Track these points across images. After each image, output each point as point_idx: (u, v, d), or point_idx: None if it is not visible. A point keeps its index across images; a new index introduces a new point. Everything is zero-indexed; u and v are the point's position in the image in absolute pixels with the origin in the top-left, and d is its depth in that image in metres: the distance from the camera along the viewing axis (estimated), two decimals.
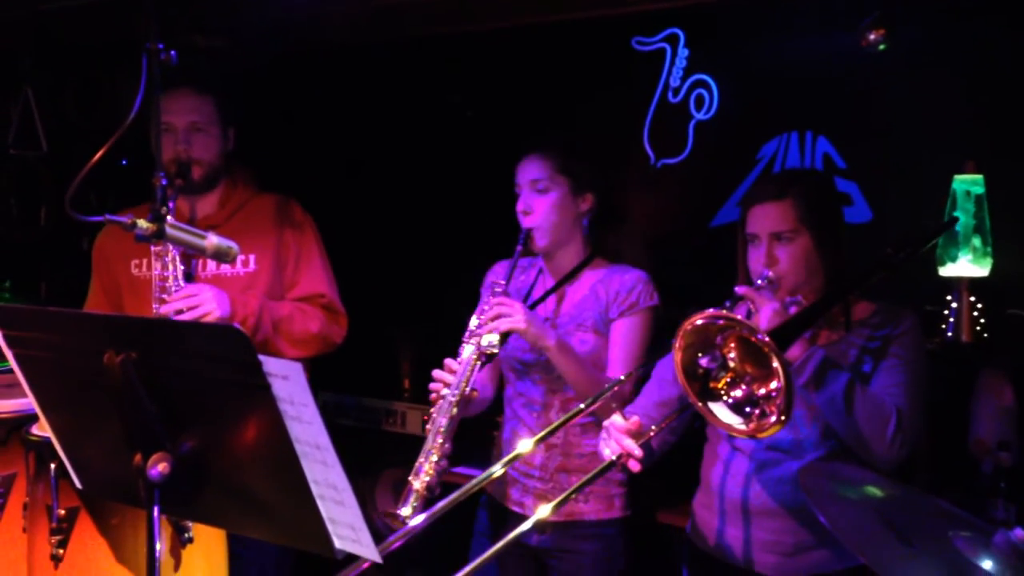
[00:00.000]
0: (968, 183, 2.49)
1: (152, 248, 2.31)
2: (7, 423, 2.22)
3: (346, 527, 1.30)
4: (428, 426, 2.11)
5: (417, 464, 2.07)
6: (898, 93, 2.74)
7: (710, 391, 1.62)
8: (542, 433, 1.89)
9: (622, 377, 1.83)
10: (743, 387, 1.61)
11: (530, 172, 2.28)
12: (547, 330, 2.13)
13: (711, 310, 1.58)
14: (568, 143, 2.35)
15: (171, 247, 2.28)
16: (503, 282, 2.22)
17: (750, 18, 2.96)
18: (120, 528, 1.97)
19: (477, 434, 2.52)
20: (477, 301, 2.41)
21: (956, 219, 2.42)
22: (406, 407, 3.41)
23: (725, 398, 1.61)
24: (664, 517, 2.79)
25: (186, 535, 1.99)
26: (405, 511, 1.97)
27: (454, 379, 2.12)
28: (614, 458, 1.75)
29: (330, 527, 1.31)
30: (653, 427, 1.86)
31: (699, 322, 1.57)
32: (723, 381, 1.62)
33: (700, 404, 1.61)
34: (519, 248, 2.25)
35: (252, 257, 2.50)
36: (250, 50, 3.70)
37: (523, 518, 2.28)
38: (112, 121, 1.84)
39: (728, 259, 2.07)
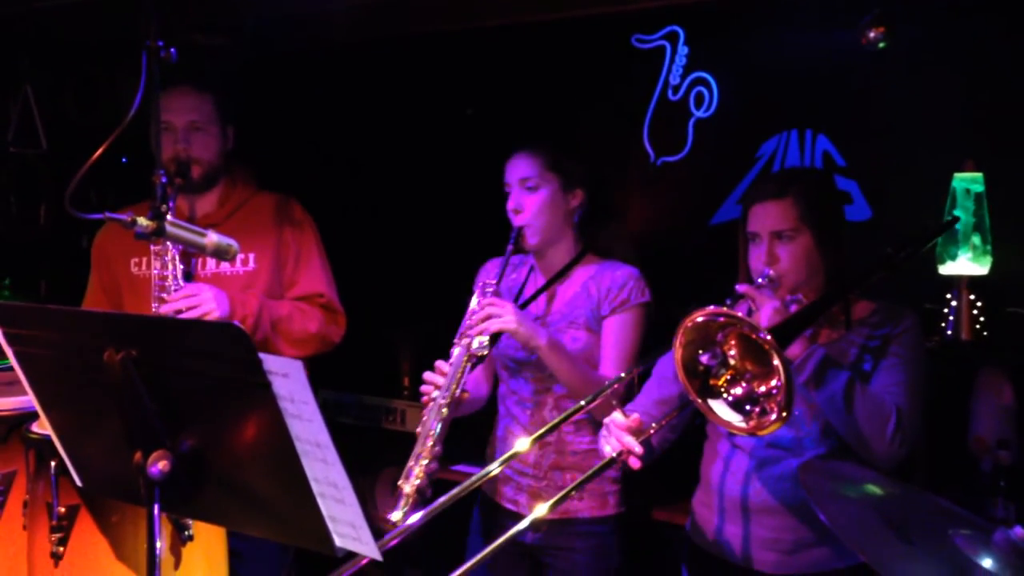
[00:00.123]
0: (968, 181, 2.50)
1: (151, 247, 2.31)
2: (7, 421, 2.22)
3: (346, 525, 1.30)
4: (418, 429, 2.11)
5: (407, 468, 2.06)
6: (898, 91, 2.74)
7: (710, 388, 1.62)
8: (540, 432, 1.89)
9: (622, 375, 1.83)
10: (743, 385, 1.61)
11: (519, 170, 2.27)
12: (538, 329, 2.13)
13: (712, 307, 1.58)
14: (556, 140, 2.34)
15: (170, 246, 2.28)
16: (494, 281, 2.22)
17: (750, 16, 2.96)
18: (120, 526, 1.97)
19: (476, 432, 2.52)
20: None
21: (957, 219, 2.42)
22: (406, 405, 3.41)
23: (725, 395, 1.61)
24: (659, 514, 2.80)
25: (186, 533, 1.99)
26: (396, 516, 1.95)
27: (444, 381, 2.12)
28: (615, 455, 1.75)
29: (330, 525, 1.31)
30: (653, 424, 1.86)
31: (700, 319, 1.57)
32: (723, 378, 1.62)
33: (700, 401, 1.61)
34: (510, 247, 2.24)
35: (251, 256, 2.50)
36: (250, 48, 3.70)
37: (517, 516, 2.29)
38: (112, 119, 1.84)
39: (728, 257, 2.07)
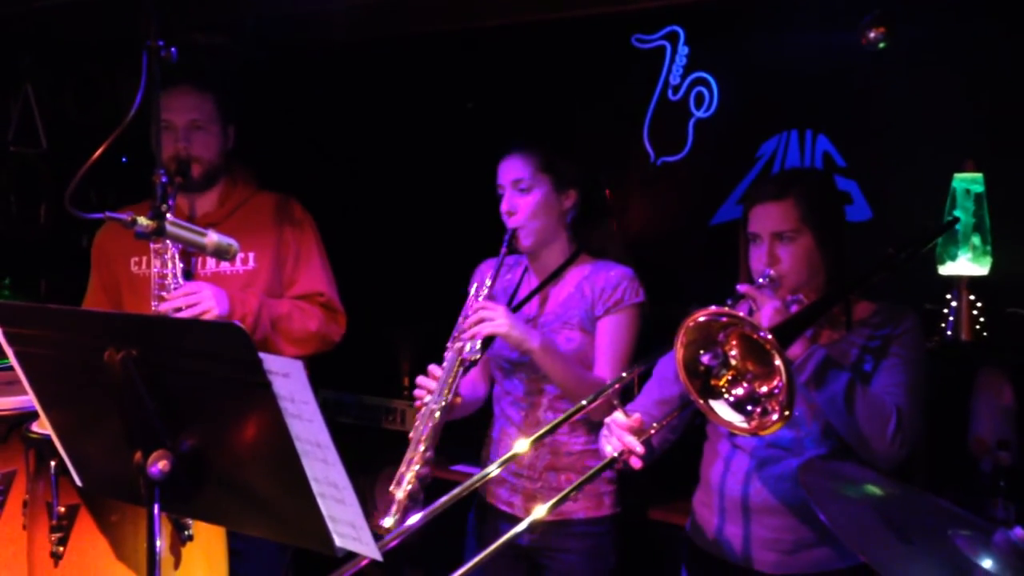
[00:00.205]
0: (968, 181, 2.50)
1: (151, 246, 2.31)
2: (7, 420, 2.22)
3: (347, 525, 1.30)
4: (411, 434, 2.11)
5: (399, 474, 2.07)
6: (898, 91, 2.74)
7: (711, 388, 1.62)
8: (539, 433, 1.89)
9: (624, 375, 1.83)
10: (744, 385, 1.61)
11: (512, 172, 2.27)
12: (530, 332, 2.13)
13: (714, 307, 1.58)
14: (553, 140, 2.33)
15: (170, 245, 2.28)
16: (488, 284, 2.22)
17: (750, 16, 2.96)
18: (120, 526, 1.97)
19: (475, 432, 2.52)
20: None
21: (957, 219, 2.42)
22: (406, 405, 3.41)
23: (726, 396, 1.61)
24: (656, 514, 2.80)
25: (186, 533, 1.99)
26: (388, 522, 1.95)
27: (436, 386, 2.12)
28: (616, 455, 1.75)
29: (330, 525, 1.30)
30: (654, 424, 1.86)
31: (701, 319, 1.57)
32: (724, 379, 1.62)
33: (701, 402, 1.61)
34: (504, 249, 2.24)
35: (251, 255, 2.50)
36: (250, 48, 3.70)
37: (511, 517, 2.29)
38: (112, 118, 1.84)
39: (728, 257, 2.07)
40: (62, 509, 1.96)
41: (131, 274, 2.51)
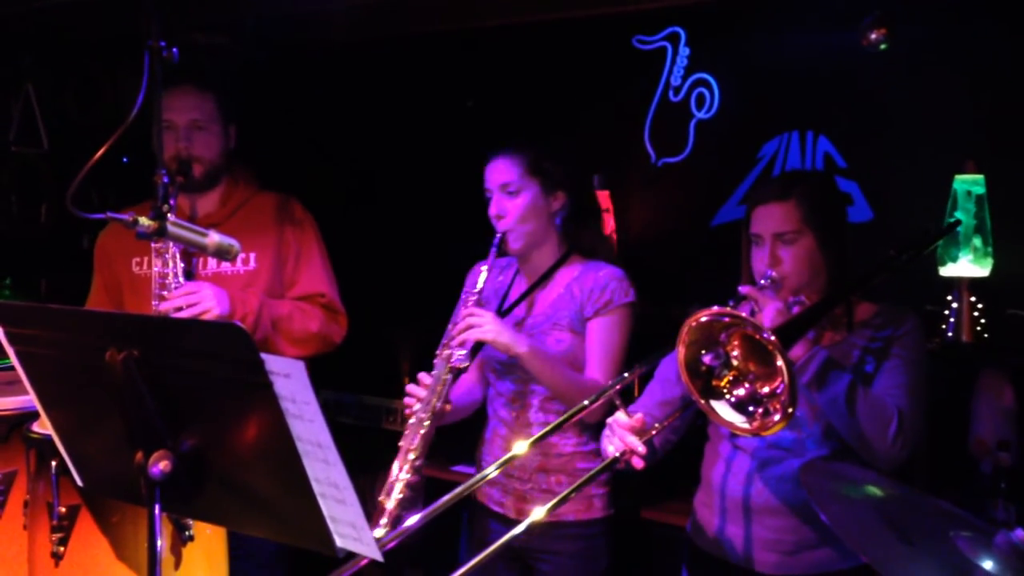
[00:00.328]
0: (969, 183, 2.50)
1: (152, 246, 2.31)
2: (8, 420, 2.22)
3: (347, 526, 1.30)
4: (401, 443, 2.11)
5: (388, 483, 2.07)
6: (899, 92, 2.74)
7: (713, 389, 1.62)
8: (540, 434, 1.89)
9: (626, 375, 1.82)
10: (746, 385, 1.61)
11: (499, 175, 2.25)
12: (518, 338, 2.13)
13: (716, 307, 1.58)
14: (535, 141, 2.32)
15: (171, 245, 2.28)
16: (476, 290, 2.21)
17: (751, 17, 2.96)
18: (121, 526, 1.97)
19: (475, 433, 2.52)
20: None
21: (959, 222, 2.42)
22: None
23: (728, 396, 1.61)
24: (649, 514, 2.80)
25: (187, 533, 1.99)
26: (378, 533, 1.95)
27: (425, 395, 2.12)
28: (617, 455, 1.75)
29: (331, 525, 1.30)
30: (656, 425, 1.86)
31: (704, 319, 1.57)
32: (726, 379, 1.62)
33: (703, 402, 1.61)
34: (493, 251, 2.23)
35: (252, 255, 2.50)
36: (250, 48, 3.70)
37: (503, 518, 2.30)
38: (113, 118, 1.84)
39: (729, 258, 2.07)
40: (63, 509, 1.96)
41: (132, 274, 2.51)
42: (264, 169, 2.70)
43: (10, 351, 1.50)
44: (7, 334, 1.49)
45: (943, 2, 2.66)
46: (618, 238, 3.16)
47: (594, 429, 2.26)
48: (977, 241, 2.47)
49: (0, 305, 1.53)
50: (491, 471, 1.79)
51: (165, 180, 1.89)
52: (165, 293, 2.28)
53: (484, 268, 2.24)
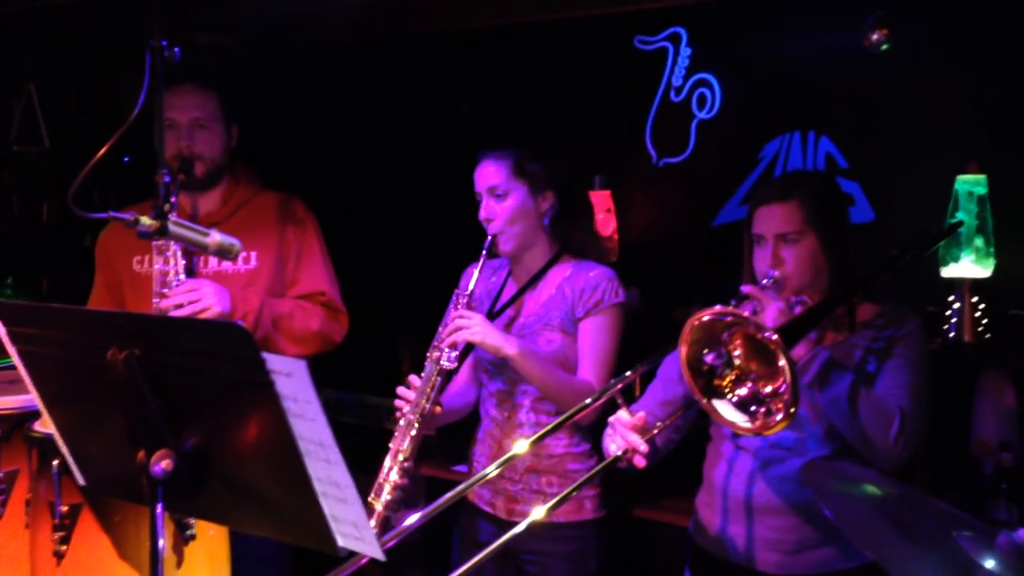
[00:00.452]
0: (971, 183, 2.50)
1: (154, 244, 2.31)
2: (10, 419, 2.21)
3: (349, 525, 1.30)
4: (391, 444, 2.12)
5: (377, 484, 2.07)
6: (900, 93, 2.74)
7: (715, 388, 1.62)
8: (540, 433, 1.89)
9: (628, 374, 1.82)
10: (748, 385, 1.61)
11: (487, 179, 2.26)
12: (507, 339, 2.13)
13: (718, 307, 1.58)
14: (522, 143, 2.31)
15: (173, 243, 2.28)
16: (467, 292, 2.22)
17: (753, 17, 2.97)
18: (123, 525, 1.97)
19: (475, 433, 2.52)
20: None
21: (961, 223, 2.42)
22: None
23: (729, 396, 1.61)
24: (643, 512, 2.80)
25: (188, 532, 1.99)
26: None
27: (414, 397, 2.12)
28: (620, 453, 1.75)
29: (333, 524, 1.30)
30: (658, 424, 1.86)
31: (706, 318, 1.57)
32: (728, 379, 1.62)
33: (704, 401, 1.61)
34: (483, 254, 2.23)
35: (253, 254, 2.50)
36: (250, 48, 3.71)
37: (493, 518, 2.30)
38: (114, 118, 1.84)
39: (731, 258, 2.07)
40: (65, 508, 1.96)
41: (133, 273, 2.51)
42: (264, 169, 2.70)
43: (12, 350, 1.50)
44: (9, 333, 1.49)
45: (945, 3, 2.66)
46: (619, 238, 3.16)
47: (586, 430, 2.27)
48: (979, 241, 2.47)
49: (2, 304, 1.53)
50: (491, 470, 1.79)
51: (167, 179, 1.89)
52: (166, 291, 2.28)
53: (475, 270, 2.25)
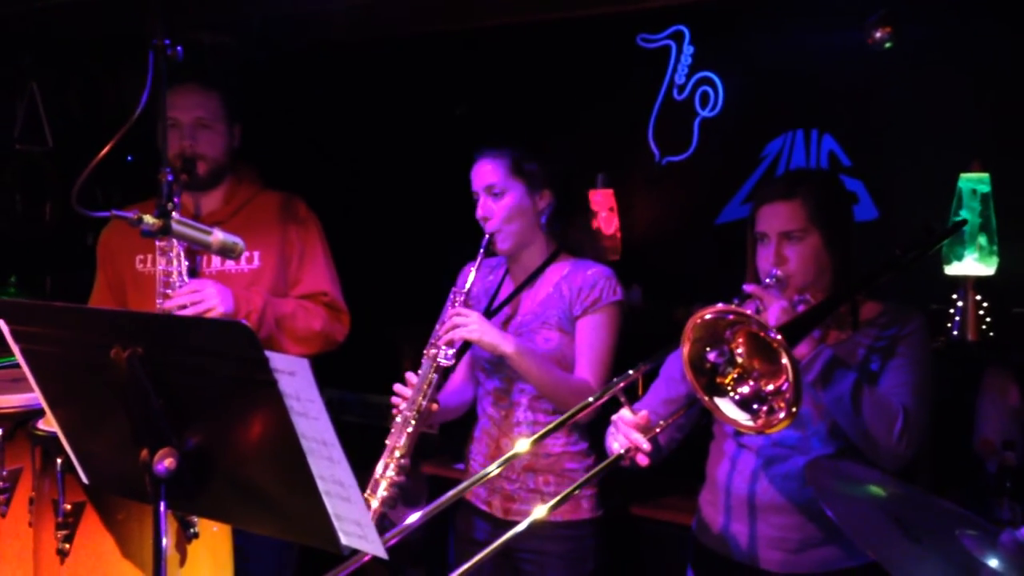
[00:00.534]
0: (974, 181, 2.49)
1: (156, 243, 2.31)
2: (13, 418, 2.22)
3: (352, 523, 1.30)
4: (387, 440, 2.11)
5: (373, 481, 2.07)
6: (904, 91, 2.74)
7: (717, 386, 1.62)
8: (542, 432, 1.88)
9: (631, 372, 1.82)
10: (750, 383, 1.60)
11: (484, 177, 2.26)
12: (504, 338, 2.13)
13: (721, 304, 1.58)
14: (519, 141, 2.31)
15: (176, 243, 2.28)
16: (464, 290, 2.22)
17: (756, 15, 2.96)
18: (126, 523, 1.97)
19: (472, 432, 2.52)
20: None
21: (965, 221, 2.42)
22: None
23: (732, 394, 1.61)
24: (640, 510, 2.80)
25: (191, 530, 1.99)
26: None
27: (411, 394, 2.12)
28: (622, 452, 1.75)
29: (336, 523, 1.30)
30: (661, 422, 1.86)
31: (708, 316, 1.57)
32: (730, 377, 1.62)
33: (707, 399, 1.60)
34: (481, 252, 2.23)
35: (256, 254, 2.50)
36: (252, 47, 3.71)
37: (489, 516, 2.30)
38: (116, 117, 1.84)
39: (734, 257, 2.07)
40: (68, 506, 1.96)
41: (136, 272, 2.51)
42: (264, 168, 2.70)
43: (15, 349, 1.51)
44: (12, 332, 1.49)
45: (947, 1, 2.66)
46: (622, 237, 3.16)
47: (583, 429, 2.27)
48: (982, 240, 2.47)
49: (5, 303, 1.53)
50: (493, 469, 1.79)
51: (169, 178, 1.89)
52: (169, 291, 2.29)
53: (472, 268, 2.25)
